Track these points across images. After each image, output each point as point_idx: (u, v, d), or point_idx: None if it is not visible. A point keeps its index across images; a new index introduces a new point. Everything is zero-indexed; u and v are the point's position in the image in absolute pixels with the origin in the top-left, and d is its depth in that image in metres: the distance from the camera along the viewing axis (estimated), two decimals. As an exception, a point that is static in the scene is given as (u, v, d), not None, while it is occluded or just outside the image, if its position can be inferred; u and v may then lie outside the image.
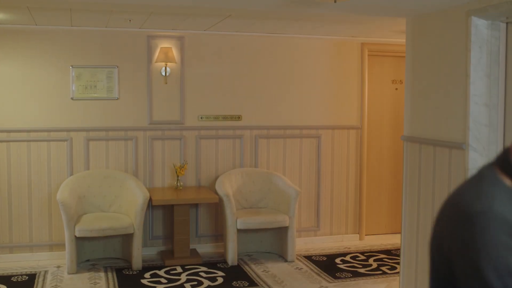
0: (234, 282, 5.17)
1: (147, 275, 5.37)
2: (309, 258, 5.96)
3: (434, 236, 1.35)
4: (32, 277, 5.28)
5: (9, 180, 5.74)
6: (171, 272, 5.48)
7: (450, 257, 1.26)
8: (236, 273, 5.45)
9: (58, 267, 5.56)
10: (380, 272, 5.55)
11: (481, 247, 1.17)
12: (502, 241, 1.17)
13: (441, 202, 4.13)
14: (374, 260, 5.87)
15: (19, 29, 5.67)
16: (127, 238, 5.63)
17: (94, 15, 5.18)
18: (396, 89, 6.88)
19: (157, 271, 5.48)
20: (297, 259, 5.89)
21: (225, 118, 6.22)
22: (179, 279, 5.26)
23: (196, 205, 6.19)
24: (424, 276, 4.28)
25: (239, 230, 5.70)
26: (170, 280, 5.23)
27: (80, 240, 5.49)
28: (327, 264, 5.76)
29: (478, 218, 1.20)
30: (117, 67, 5.95)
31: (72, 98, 5.86)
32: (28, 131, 5.75)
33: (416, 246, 4.38)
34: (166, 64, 6.01)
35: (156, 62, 6.01)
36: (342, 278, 5.35)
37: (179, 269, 5.54)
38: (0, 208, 5.74)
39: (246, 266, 5.64)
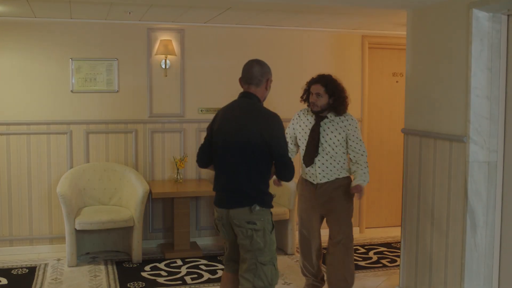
0: (234, 275, 5.18)
1: (147, 268, 5.38)
2: (309, 251, 5.96)
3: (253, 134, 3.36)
4: (32, 270, 5.28)
5: (9, 173, 5.74)
6: (171, 265, 5.48)
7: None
8: (236, 266, 5.45)
9: (58, 260, 5.57)
10: (380, 265, 5.55)
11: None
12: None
13: (442, 195, 4.10)
14: (375, 253, 5.88)
15: (18, 22, 5.65)
16: (127, 231, 5.63)
17: (93, 7, 5.16)
18: (397, 82, 6.86)
19: (157, 264, 5.49)
20: (297, 252, 5.89)
21: (225, 111, 6.20)
22: (179, 272, 5.27)
23: (196, 198, 6.19)
24: (424, 269, 4.28)
25: (239, 223, 5.70)
26: (170, 273, 5.24)
27: (80, 233, 5.49)
28: (327, 257, 5.76)
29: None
30: (117, 59, 5.94)
31: (71, 91, 5.85)
32: (28, 124, 5.74)
33: (417, 239, 4.38)
34: (166, 57, 6.00)
35: (156, 54, 6.00)
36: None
37: (179, 262, 5.55)
38: (0, 201, 5.74)
39: (246, 259, 5.65)
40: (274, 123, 3.38)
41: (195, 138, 6.17)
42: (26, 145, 5.75)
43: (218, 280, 5.04)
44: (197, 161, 3.65)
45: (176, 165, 5.96)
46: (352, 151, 4.29)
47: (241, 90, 3.61)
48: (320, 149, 4.25)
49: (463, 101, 3.80)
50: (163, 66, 6.03)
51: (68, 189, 5.43)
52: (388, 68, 6.85)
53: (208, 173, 6.23)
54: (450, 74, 3.95)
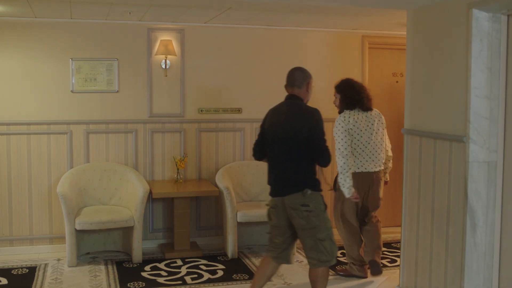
0: (234, 275, 5.18)
1: (147, 267, 5.38)
2: (309, 251, 5.95)
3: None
4: (32, 270, 5.29)
5: (9, 173, 5.74)
6: (171, 265, 5.48)
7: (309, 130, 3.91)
8: (236, 266, 5.46)
9: (59, 260, 5.57)
10: (381, 265, 5.54)
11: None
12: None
13: (442, 194, 4.09)
14: (374, 253, 5.87)
15: (19, 22, 5.65)
16: (127, 231, 5.63)
17: (94, 8, 5.17)
18: (397, 82, 6.86)
19: (157, 264, 5.49)
20: (297, 252, 5.90)
21: (225, 111, 6.21)
22: (179, 272, 5.27)
23: (196, 198, 6.19)
24: (424, 269, 4.29)
25: (239, 223, 5.70)
26: (170, 273, 5.24)
27: (80, 233, 5.50)
28: (327, 257, 5.75)
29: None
30: (117, 59, 5.94)
31: (72, 91, 5.85)
32: (28, 124, 5.75)
33: (416, 239, 4.38)
34: (166, 57, 6.00)
35: (156, 54, 6.00)
36: (342, 271, 5.35)
37: (179, 262, 5.55)
38: (0, 201, 5.74)
39: (246, 259, 5.65)
40: (313, 116, 3.94)
41: (195, 138, 6.17)
42: (26, 145, 5.75)
43: (218, 280, 5.05)
44: (253, 155, 4.21)
45: (176, 165, 5.96)
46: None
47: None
48: None
49: (463, 101, 3.80)
50: (163, 66, 6.04)
51: (68, 189, 5.43)
52: (388, 68, 6.85)
53: (208, 173, 6.24)
54: (450, 74, 3.95)
